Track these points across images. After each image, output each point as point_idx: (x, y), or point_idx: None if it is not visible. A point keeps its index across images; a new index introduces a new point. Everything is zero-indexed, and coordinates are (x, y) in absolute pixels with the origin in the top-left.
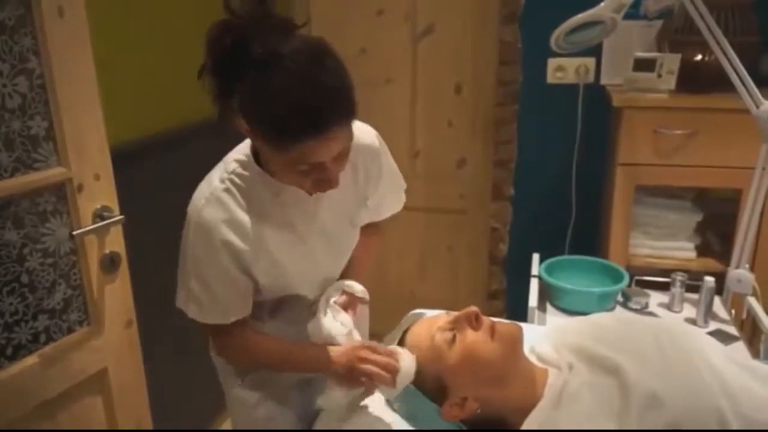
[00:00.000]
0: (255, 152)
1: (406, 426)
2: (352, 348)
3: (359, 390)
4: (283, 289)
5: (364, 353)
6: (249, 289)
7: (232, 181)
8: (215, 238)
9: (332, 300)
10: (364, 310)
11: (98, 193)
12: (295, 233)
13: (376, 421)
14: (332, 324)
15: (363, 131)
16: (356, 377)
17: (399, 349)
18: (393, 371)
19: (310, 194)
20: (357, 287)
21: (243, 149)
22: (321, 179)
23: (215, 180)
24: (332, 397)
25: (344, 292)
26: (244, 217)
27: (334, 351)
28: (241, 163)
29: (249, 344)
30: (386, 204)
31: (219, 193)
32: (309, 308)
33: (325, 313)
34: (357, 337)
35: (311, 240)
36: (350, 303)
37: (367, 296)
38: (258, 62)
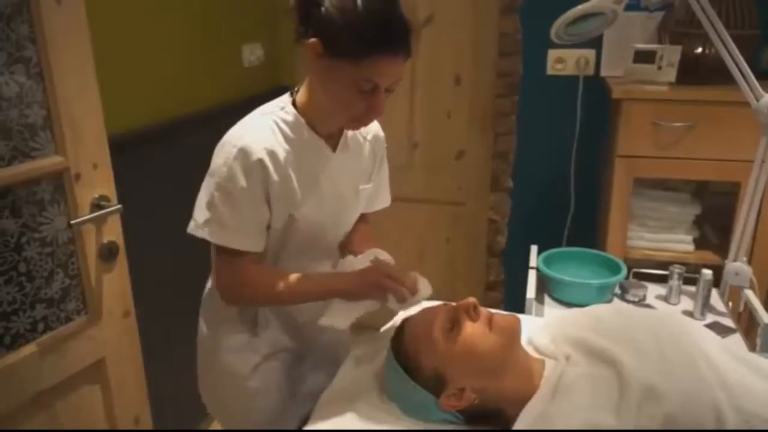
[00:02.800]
0: (293, 103)
1: (403, 419)
2: (375, 266)
3: (364, 303)
4: (283, 242)
5: (392, 271)
6: (265, 223)
7: (275, 121)
8: (253, 158)
9: (370, 260)
10: None
11: (96, 182)
12: (316, 186)
13: (372, 411)
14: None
15: (377, 123)
16: (371, 292)
17: (417, 275)
18: (413, 291)
19: (353, 127)
20: (386, 255)
21: (280, 102)
22: (372, 105)
23: (260, 116)
24: (336, 314)
25: (378, 258)
26: (281, 152)
27: (351, 270)
28: (284, 108)
29: (257, 278)
30: (379, 196)
31: (263, 125)
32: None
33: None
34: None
35: (326, 197)
36: None
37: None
38: None
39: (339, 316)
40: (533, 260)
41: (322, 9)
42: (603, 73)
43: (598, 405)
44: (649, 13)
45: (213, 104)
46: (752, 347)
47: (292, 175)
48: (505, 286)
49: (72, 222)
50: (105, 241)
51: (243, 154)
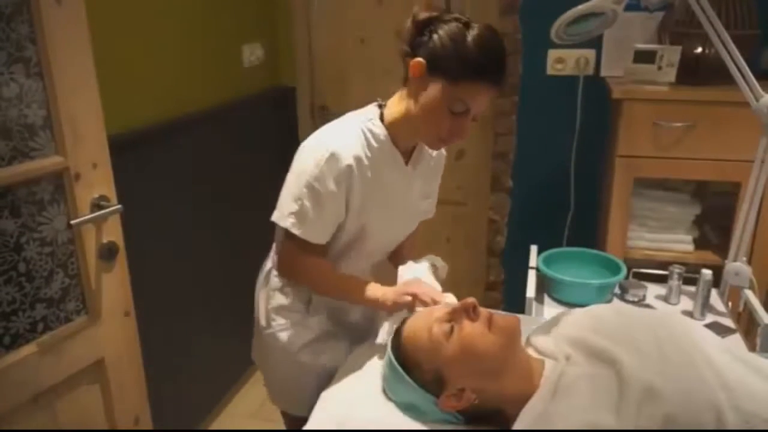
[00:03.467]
0: (381, 117)
1: (404, 419)
2: (405, 286)
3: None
4: (348, 244)
5: (426, 296)
6: (339, 222)
7: (363, 131)
8: (343, 164)
9: (427, 268)
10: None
11: (96, 182)
12: (388, 196)
13: (372, 410)
14: (428, 278)
15: None
16: (402, 307)
17: (444, 296)
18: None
19: (435, 146)
20: (442, 263)
21: (368, 113)
22: (458, 127)
23: (350, 125)
24: (389, 330)
25: (433, 264)
26: (365, 161)
27: (384, 288)
28: (371, 120)
29: (312, 269)
30: (429, 210)
31: (354, 132)
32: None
33: (423, 270)
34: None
35: (394, 206)
36: (434, 274)
37: (445, 275)
38: (455, 21)
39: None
40: (533, 260)
41: (435, 36)
42: (603, 73)
43: (598, 405)
44: (649, 13)
45: (213, 104)
46: (752, 347)
47: (369, 184)
48: (505, 286)
49: (72, 222)
50: (105, 241)
51: (334, 158)
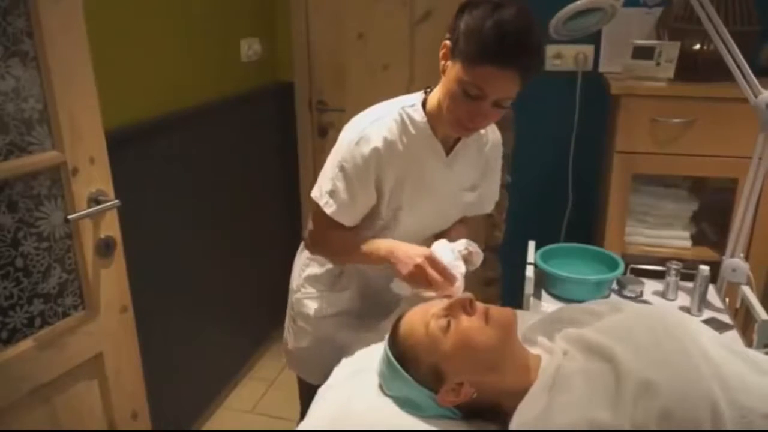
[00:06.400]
0: (423, 104)
1: (401, 414)
2: (419, 253)
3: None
4: (383, 228)
5: (427, 263)
6: (370, 206)
7: (402, 116)
8: (371, 146)
9: (459, 249)
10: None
11: (93, 176)
12: (422, 183)
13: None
14: (452, 262)
15: (496, 129)
16: (409, 267)
17: (458, 281)
18: (442, 290)
19: (457, 131)
20: (477, 248)
21: (413, 98)
22: (476, 112)
23: (389, 109)
24: (401, 285)
25: (468, 248)
26: (399, 146)
27: (400, 249)
28: (413, 105)
29: (336, 242)
30: (483, 203)
31: (390, 118)
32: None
33: (451, 251)
34: (461, 284)
35: (427, 195)
36: (467, 258)
37: (479, 261)
38: (487, 3)
39: (401, 288)
40: (531, 256)
41: (462, 19)
42: (601, 68)
43: (595, 400)
44: (648, 9)
45: (211, 99)
46: (749, 343)
47: (403, 169)
48: (503, 281)
49: (69, 217)
50: (102, 236)
51: (364, 141)
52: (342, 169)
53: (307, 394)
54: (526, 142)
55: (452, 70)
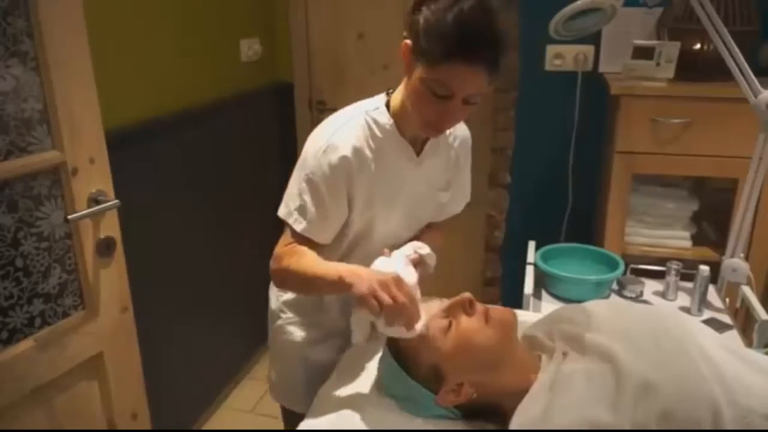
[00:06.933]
0: (387, 105)
1: (401, 416)
2: (377, 274)
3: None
4: (358, 236)
5: (389, 281)
6: (343, 220)
7: (367, 121)
8: (339, 154)
9: (405, 254)
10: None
11: (93, 177)
12: (395, 187)
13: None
14: (404, 270)
15: (465, 126)
16: (371, 300)
17: (423, 309)
18: (406, 316)
19: (427, 132)
20: (428, 251)
21: (375, 101)
22: (445, 111)
23: (352, 114)
24: (359, 318)
25: (417, 252)
26: (367, 152)
27: (362, 269)
28: (377, 108)
29: (296, 264)
30: (453, 203)
31: (356, 123)
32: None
33: (399, 260)
34: (417, 293)
35: (400, 198)
36: (418, 263)
37: (433, 263)
38: None
39: (359, 321)
40: (531, 256)
41: (421, 15)
42: (601, 69)
43: (595, 400)
44: (648, 9)
45: (210, 99)
46: (749, 344)
47: (373, 176)
48: (503, 281)
49: (69, 217)
50: (102, 236)
51: (331, 150)
52: (309, 181)
53: (292, 422)
54: (526, 142)
55: (415, 69)
